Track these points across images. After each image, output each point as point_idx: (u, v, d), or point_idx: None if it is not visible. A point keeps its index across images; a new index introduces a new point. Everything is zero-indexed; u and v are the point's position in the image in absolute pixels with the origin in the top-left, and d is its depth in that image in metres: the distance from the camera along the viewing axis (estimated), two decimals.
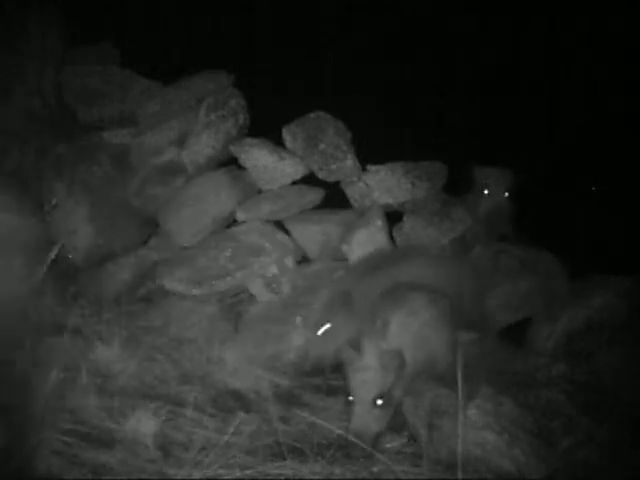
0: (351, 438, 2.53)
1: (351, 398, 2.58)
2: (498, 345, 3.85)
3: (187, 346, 3.52)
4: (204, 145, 4.19)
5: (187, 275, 3.90)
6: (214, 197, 4.10)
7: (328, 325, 3.11)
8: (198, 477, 2.30)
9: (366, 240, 3.87)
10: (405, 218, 4.10)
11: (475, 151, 4.13)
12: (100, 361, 3.08)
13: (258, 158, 4.12)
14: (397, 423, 2.78)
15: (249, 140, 4.21)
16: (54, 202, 3.99)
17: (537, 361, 3.67)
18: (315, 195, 4.10)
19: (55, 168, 4.26)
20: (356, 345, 2.62)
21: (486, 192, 4.15)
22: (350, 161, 4.06)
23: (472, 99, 4.35)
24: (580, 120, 4.25)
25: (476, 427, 2.84)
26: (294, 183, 4.16)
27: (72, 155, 4.30)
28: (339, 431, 2.69)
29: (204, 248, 4.04)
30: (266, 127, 4.23)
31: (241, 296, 3.95)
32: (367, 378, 2.57)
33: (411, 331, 2.71)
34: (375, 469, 2.55)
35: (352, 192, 4.12)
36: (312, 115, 4.14)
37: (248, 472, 2.40)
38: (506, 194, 4.12)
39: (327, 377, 3.30)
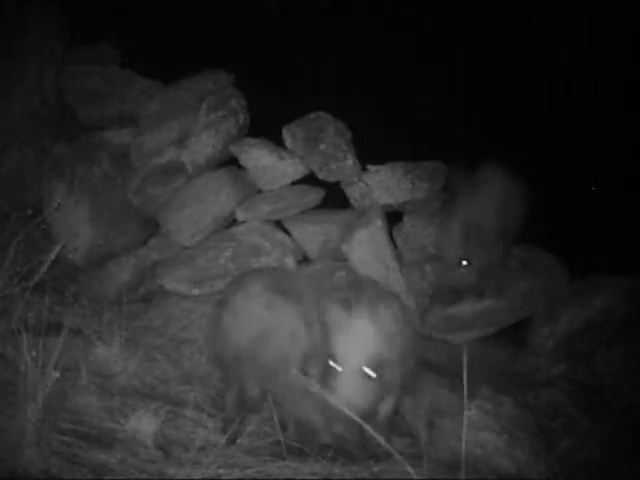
0: None
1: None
2: (498, 345, 3.85)
3: (187, 346, 3.52)
4: (204, 145, 4.19)
5: (187, 275, 3.90)
6: (214, 197, 4.10)
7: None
8: (198, 477, 2.30)
9: (366, 240, 3.87)
10: (405, 218, 4.10)
11: (475, 151, 4.13)
12: (100, 361, 3.08)
13: (258, 158, 4.12)
14: (397, 423, 2.78)
15: (249, 140, 4.21)
16: (56, 203, 3.98)
17: (537, 361, 3.67)
18: (315, 195, 4.11)
19: (55, 168, 4.26)
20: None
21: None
22: (350, 161, 4.06)
23: (472, 99, 4.34)
24: (580, 120, 4.25)
25: (476, 427, 2.84)
26: (294, 183, 4.16)
27: (72, 155, 4.29)
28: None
29: (204, 248, 4.04)
30: (266, 127, 4.23)
31: None
32: None
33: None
34: (375, 469, 2.55)
35: (352, 192, 4.12)
36: (312, 115, 4.14)
37: (248, 472, 2.40)
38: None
39: None
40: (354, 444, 2.60)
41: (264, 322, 2.68)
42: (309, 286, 2.94)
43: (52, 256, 2.96)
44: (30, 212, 3.60)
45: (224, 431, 2.72)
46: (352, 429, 2.54)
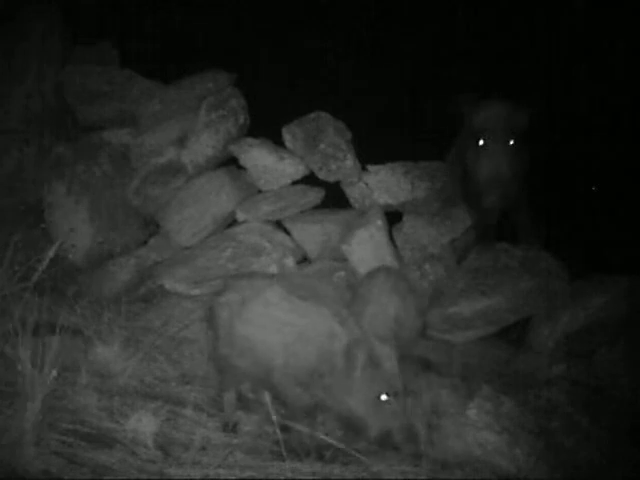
0: None
1: None
2: (498, 345, 3.85)
3: (187, 346, 3.52)
4: (204, 145, 4.19)
5: (187, 275, 3.90)
6: (214, 197, 4.10)
7: None
8: (198, 477, 2.30)
9: (366, 240, 3.87)
10: (405, 218, 4.10)
11: None
12: (100, 361, 3.08)
13: (258, 158, 4.12)
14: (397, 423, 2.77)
15: (249, 140, 4.22)
16: (56, 203, 3.98)
17: (537, 361, 3.67)
18: (315, 195, 4.11)
19: (55, 168, 4.26)
20: None
21: (481, 142, 3.06)
22: (350, 161, 4.06)
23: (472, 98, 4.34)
24: (580, 120, 4.25)
25: (476, 427, 2.84)
26: (294, 183, 4.17)
27: (72, 155, 4.30)
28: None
29: (204, 248, 4.04)
30: (266, 127, 4.23)
31: None
32: None
33: None
34: (375, 469, 2.55)
35: (352, 192, 4.12)
36: (312, 115, 4.14)
37: (248, 472, 2.40)
38: (511, 142, 2.92)
39: None
40: (402, 438, 2.55)
41: (295, 328, 2.64)
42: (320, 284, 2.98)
43: (50, 254, 2.95)
44: (30, 212, 3.60)
45: (224, 431, 2.71)
46: (400, 422, 2.51)
